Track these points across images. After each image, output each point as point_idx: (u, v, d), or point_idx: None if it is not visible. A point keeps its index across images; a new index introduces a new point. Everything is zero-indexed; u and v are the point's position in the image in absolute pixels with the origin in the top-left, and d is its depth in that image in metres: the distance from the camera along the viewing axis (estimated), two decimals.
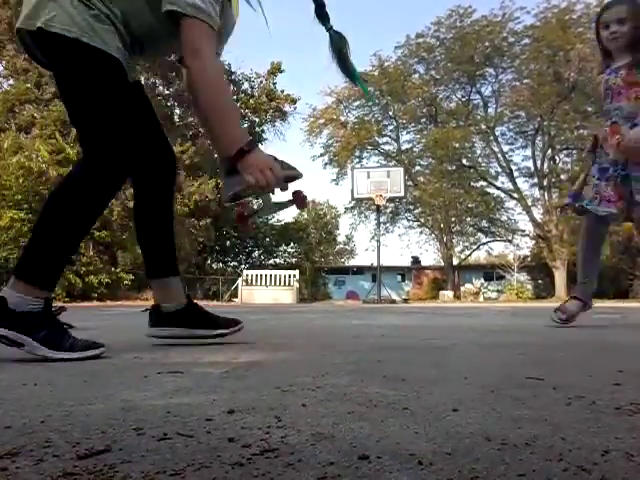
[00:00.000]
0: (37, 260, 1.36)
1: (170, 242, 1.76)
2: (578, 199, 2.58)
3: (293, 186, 1.57)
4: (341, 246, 36.49)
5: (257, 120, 23.01)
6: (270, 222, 24.43)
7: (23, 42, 1.47)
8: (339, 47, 1.68)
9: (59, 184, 1.44)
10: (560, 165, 23.61)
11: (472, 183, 25.00)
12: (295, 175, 1.53)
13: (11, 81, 18.31)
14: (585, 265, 2.71)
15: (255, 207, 1.81)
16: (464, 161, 25.11)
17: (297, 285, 16.23)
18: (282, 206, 1.64)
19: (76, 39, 1.35)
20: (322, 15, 1.65)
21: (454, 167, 24.87)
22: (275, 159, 1.47)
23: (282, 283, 16.23)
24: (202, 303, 1.94)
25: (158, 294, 1.74)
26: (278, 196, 1.61)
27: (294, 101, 23.12)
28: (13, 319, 1.28)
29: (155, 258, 1.74)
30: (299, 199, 1.58)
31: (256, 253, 25.47)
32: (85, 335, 1.45)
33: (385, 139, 27.30)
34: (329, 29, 1.66)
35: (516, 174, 25.26)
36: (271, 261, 25.31)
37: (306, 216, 30.00)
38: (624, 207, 2.44)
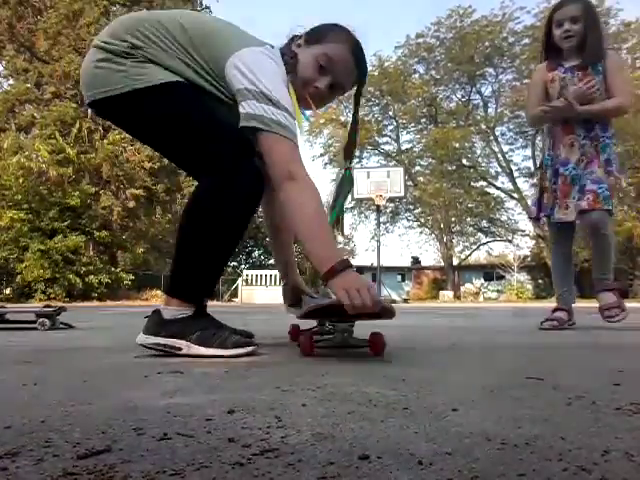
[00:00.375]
0: (186, 279, 1.38)
1: (228, 257, 1.64)
2: (543, 210, 2.54)
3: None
4: (341, 246, 36.52)
5: None
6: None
7: (97, 111, 1.47)
8: (343, 188, 1.65)
9: (192, 200, 1.39)
10: None
11: (472, 183, 25.07)
12: (390, 310, 1.32)
13: (11, 81, 18.33)
14: (562, 274, 2.60)
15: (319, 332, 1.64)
16: (464, 161, 25.16)
17: None
18: (354, 345, 1.46)
19: (133, 90, 1.33)
20: (350, 154, 1.62)
21: (454, 167, 24.93)
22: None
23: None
24: None
25: None
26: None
27: None
28: (168, 327, 1.35)
29: None
30: (378, 344, 1.36)
31: (256, 253, 25.48)
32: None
33: (385, 139, 27.40)
34: (347, 168, 1.64)
35: (516, 174, 25.36)
36: (271, 261, 25.31)
37: None
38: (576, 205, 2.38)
